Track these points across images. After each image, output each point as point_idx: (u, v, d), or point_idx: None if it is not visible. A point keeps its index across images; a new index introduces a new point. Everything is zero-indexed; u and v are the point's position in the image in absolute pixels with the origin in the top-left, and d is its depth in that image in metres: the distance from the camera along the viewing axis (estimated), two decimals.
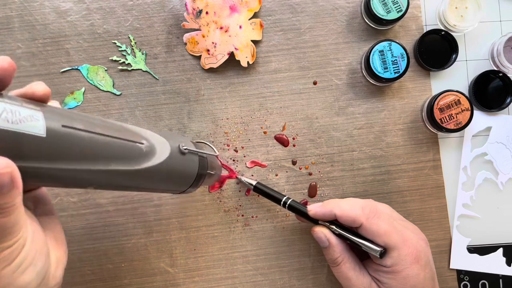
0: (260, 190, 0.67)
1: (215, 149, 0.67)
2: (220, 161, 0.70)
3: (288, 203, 0.65)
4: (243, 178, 0.69)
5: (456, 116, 0.67)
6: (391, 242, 0.58)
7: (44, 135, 0.35)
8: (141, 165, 0.47)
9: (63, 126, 0.37)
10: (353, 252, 0.64)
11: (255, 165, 0.71)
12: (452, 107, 0.67)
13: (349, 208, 0.60)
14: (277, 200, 0.66)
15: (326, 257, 0.64)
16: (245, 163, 0.71)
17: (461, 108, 0.67)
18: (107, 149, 0.42)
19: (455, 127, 0.67)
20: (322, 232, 0.62)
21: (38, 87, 0.39)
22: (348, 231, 0.61)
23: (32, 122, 0.34)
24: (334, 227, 0.62)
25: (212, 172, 0.61)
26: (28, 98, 0.39)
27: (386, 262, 0.59)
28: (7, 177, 0.33)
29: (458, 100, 0.67)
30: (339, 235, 0.62)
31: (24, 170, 0.34)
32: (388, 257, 0.59)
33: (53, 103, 0.44)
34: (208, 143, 0.69)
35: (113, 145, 0.43)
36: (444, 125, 0.67)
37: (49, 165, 0.37)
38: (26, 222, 0.39)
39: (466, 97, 0.67)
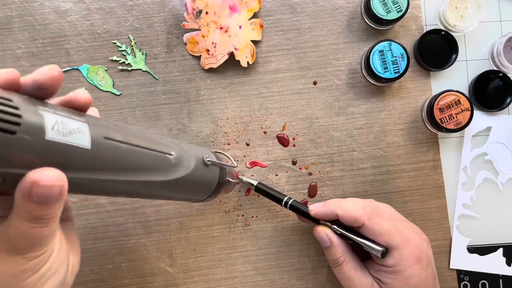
0: (261, 190, 0.67)
1: (233, 160, 0.67)
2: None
3: (289, 203, 0.64)
4: (244, 178, 0.68)
5: (456, 116, 0.67)
6: (393, 242, 0.58)
7: (89, 147, 0.36)
8: (169, 176, 0.48)
9: (105, 138, 0.38)
10: (354, 252, 0.63)
11: (255, 165, 0.71)
12: (452, 107, 0.67)
13: (351, 207, 0.60)
14: (278, 200, 0.66)
15: (327, 257, 0.64)
16: (245, 163, 0.71)
17: (461, 108, 0.67)
18: (141, 161, 0.43)
19: (455, 127, 0.67)
20: (324, 231, 0.62)
21: (81, 95, 0.39)
22: (350, 231, 0.61)
23: (80, 134, 0.35)
24: (335, 227, 0.62)
25: (230, 181, 0.62)
26: (70, 105, 0.39)
27: (387, 262, 0.59)
28: (58, 190, 0.33)
29: (458, 100, 0.67)
30: (340, 235, 0.62)
31: None
32: (389, 257, 0.59)
33: (93, 111, 0.45)
34: (225, 153, 0.69)
35: (147, 156, 0.44)
36: (444, 125, 0.67)
37: (87, 176, 0.37)
38: (56, 233, 0.39)
39: (466, 97, 0.67)
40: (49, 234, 0.37)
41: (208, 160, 0.54)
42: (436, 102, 0.67)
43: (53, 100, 0.39)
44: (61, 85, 0.67)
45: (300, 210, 0.64)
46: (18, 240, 0.35)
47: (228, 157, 0.68)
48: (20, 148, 0.31)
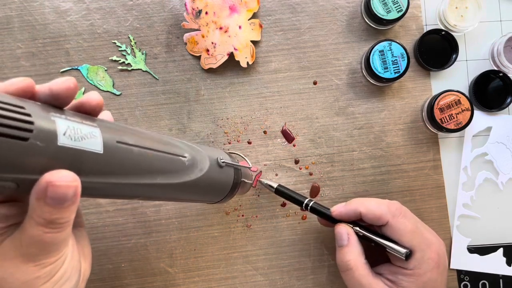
0: (281, 192, 0.66)
1: (248, 161, 0.66)
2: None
3: (310, 205, 0.64)
4: (264, 181, 0.68)
5: (456, 116, 0.67)
6: (415, 243, 0.57)
7: (101, 152, 0.36)
8: (183, 178, 0.48)
9: (117, 142, 0.38)
10: (366, 258, 0.62)
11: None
12: (452, 107, 0.67)
13: (375, 205, 0.60)
14: (298, 202, 0.65)
15: (338, 259, 0.61)
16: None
17: (461, 108, 0.67)
18: (155, 163, 0.43)
19: (455, 127, 0.67)
20: (345, 227, 0.61)
21: (93, 98, 0.40)
22: (372, 233, 0.61)
23: (92, 139, 0.35)
24: (358, 228, 0.61)
25: (246, 181, 0.62)
26: (82, 107, 0.40)
27: (408, 264, 0.58)
28: (72, 191, 0.33)
29: (458, 100, 0.67)
30: (363, 237, 0.61)
31: None
32: (411, 259, 0.58)
33: (105, 114, 0.45)
34: (240, 154, 0.68)
35: (160, 159, 0.44)
36: (444, 125, 0.67)
37: (101, 180, 0.37)
38: (69, 239, 0.40)
39: (466, 97, 0.67)
40: (63, 240, 0.37)
41: (223, 162, 0.54)
42: (436, 102, 0.67)
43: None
44: None
45: (321, 212, 0.63)
46: (32, 246, 0.36)
47: (243, 157, 0.68)
48: (33, 154, 0.31)
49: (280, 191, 0.66)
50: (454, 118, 0.67)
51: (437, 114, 0.67)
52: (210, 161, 0.52)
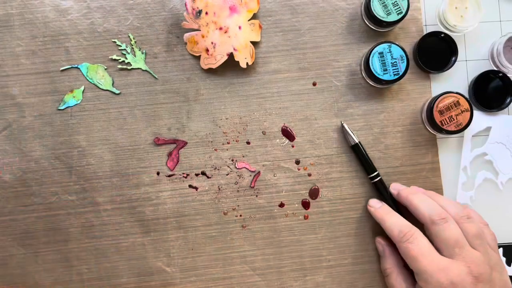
0: (357, 151, 0.71)
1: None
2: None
3: (376, 180, 0.70)
4: (348, 129, 0.71)
5: (456, 118, 0.66)
6: (420, 267, 0.60)
7: None
8: None
9: None
10: (408, 271, 0.66)
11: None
12: (452, 108, 0.66)
13: (418, 203, 0.64)
14: (369, 169, 0.70)
15: (381, 265, 0.70)
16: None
17: (461, 109, 0.66)
18: None
19: (455, 129, 0.67)
20: (380, 242, 0.69)
21: None
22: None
23: None
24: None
25: None
26: None
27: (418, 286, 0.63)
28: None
29: (457, 101, 0.66)
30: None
31: None
32: (418, 280, 0.60)
33: None
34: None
35: None
36: (444, 127, 0.66)
37: None
38: None
39: (465, 98, 0.66)
40: None
41: None
42: (435, 105, 0.66)
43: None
44: (62, 83, 0.67)
45: (382, 190, 0.70)
46: None
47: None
48: None
49: (356, 149, 0.71)
50: (454, 119, 0.66)
51: (437, 117, 0.66)
52: None
